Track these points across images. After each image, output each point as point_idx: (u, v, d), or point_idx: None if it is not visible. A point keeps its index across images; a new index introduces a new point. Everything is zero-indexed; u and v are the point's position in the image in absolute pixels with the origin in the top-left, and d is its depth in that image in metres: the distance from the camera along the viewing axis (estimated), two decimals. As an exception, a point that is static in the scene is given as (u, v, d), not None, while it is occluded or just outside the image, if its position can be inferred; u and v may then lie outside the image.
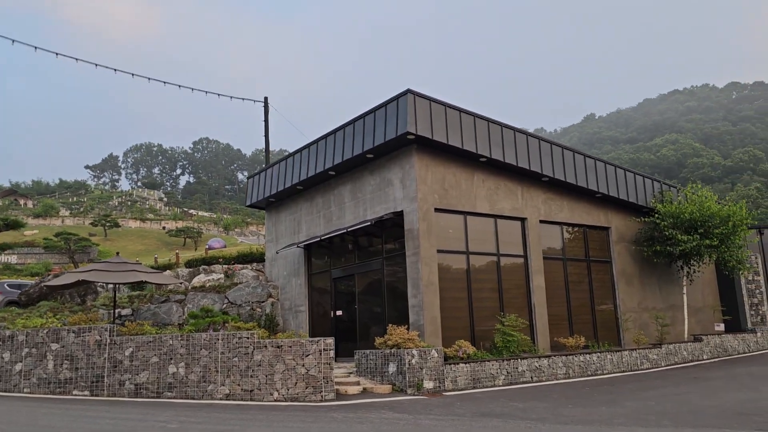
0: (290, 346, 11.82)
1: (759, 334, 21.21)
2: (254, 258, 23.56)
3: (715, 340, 19.50)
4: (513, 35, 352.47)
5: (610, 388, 13.09)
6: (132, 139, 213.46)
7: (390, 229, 15.65)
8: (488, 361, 13.65)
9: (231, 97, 29.75)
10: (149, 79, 26.22)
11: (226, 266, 23.05)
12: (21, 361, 13.17)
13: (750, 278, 22.31)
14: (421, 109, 14.23)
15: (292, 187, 18.78)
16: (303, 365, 11.67)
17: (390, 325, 13.56)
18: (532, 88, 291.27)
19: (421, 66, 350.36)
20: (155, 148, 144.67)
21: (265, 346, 11.90)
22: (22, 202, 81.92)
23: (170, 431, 8.42)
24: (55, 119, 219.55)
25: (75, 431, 8.70)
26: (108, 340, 12.77)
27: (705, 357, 18.79)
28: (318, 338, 11.96)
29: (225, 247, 40.88)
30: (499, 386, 13.38)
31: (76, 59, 24.60)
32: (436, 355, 12.74)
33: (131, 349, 12.61)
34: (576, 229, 18.31)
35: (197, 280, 22.09)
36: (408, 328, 13.44)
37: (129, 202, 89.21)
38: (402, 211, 14.80)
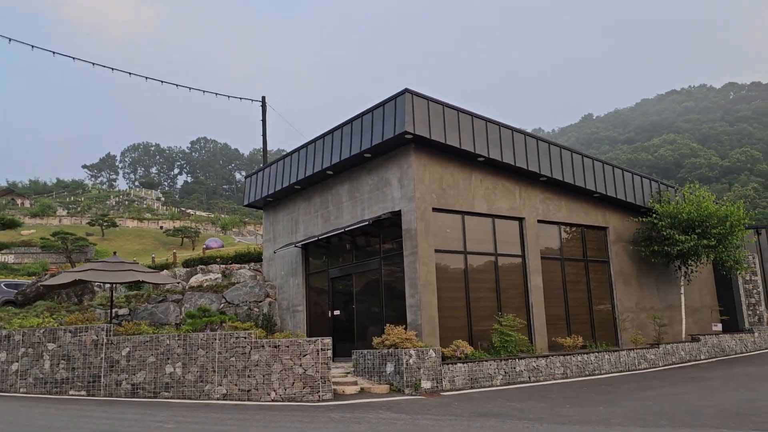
0: (288, 346, 11.79)
1: (756, 334, 21.23)
2: (252, 258, 23.53)
3: (713, 340, 19.52)
4: (512, 35, 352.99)
5: (608, 388, 13.08)
6: (130, 139, 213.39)
7: (388, 228, 15.63)
8: (486, 361, 13.64)
9: (229, 97, 29.68)
10: (146, 78, 26.17)
11: (224, 266, 23.02)
12: (17, 361, 13.13)
13: (747, 278, 22.34)
14: (419, 108, 14.22)
15: (290, 187, 18.75)
16: (300, 365, 11.64)
17: (388, 325, 13.54)
18: (531, 88, 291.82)
19: (421, 66, 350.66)
20: (153, 148, 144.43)
21: (263, 346, 11.87)
22: (19, 201, 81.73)
23: (167, 431, 8.39)
24: (53, 119, 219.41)
25: (71, 431, 8.66)
26: (105, 340, 12.74)
27: (702, 357, 18.80)
28: (315, 338, 11.94)
29: (222, 246, 40.86)
30: (497, 386, 13.38)
31: (74, 58, 24.53)
32: (433, 355, 12.72)
33: (128, 349, 12.58)
34: (574, 229, 18.31)
35: (194, 280, 22.05)
36: (406, 328, 13.42)
37: (126, 202, 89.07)
38: (400, 211, 14.78)
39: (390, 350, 12.68)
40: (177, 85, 27.55)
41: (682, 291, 19.92)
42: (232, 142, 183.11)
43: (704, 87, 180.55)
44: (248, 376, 11.78)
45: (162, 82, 26.57)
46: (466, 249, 15.39)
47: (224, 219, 74.53)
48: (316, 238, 17.40)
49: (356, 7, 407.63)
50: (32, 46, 22.70)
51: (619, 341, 18.09)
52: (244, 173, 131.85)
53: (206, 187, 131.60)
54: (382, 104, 14.76)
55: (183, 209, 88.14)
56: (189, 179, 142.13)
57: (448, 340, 13.91)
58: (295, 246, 18.65)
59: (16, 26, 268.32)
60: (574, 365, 15.23)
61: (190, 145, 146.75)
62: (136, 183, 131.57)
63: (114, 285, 18.87)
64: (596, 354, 15.89)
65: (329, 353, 11.83)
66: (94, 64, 24.82)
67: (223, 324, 13.87)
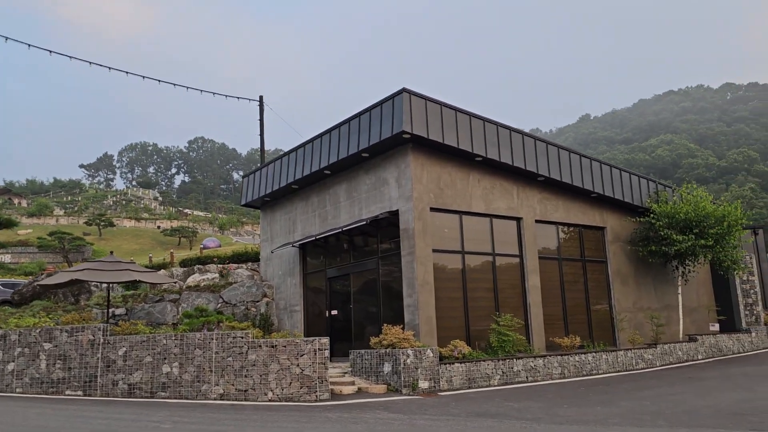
0: (285, 346, 11.76)
1: (753, 334, 21.26)
2: (249, 257, 23.48)
3: (710, 340, 19.53)
4: (511, 35, 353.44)
5: (606, 387, 13.08)
6: (127, 139, 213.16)
7: (385, 228, 15.61)
8: (483, 360, 13.63)
9: (226, 96, 29.64)
10: (143, 77, 26.11)
11: (221, 266, 22.97)
12: (13, 361, 13.07)
13: (745, 278, 22.36)
14: (417, 108, 14.20)
15: (288, 187, 18.72)
16: (298, 365, 11.62)
17: (385, 324, 13.53)
18: (530, 88, 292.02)
19: (420, 65, 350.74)
20: (150, 148, 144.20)
21: (260, 346, 11.84)
22: (16, 201, 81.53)
23: (164, 431, 8.35)
24: (50, 118, 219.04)
25: (68, 431, 8.63)
26: (101, 340, 12.70)
27: (700, 357, 18.81)
28: (313, 338, 11.91)
29: (220, 246, 40.80)
30: (495, 386, 13.37)
31: (70, 57, 24.46)
32: (431, 354, 12.71)
33: (125, 349, 12.54)
34: (571, 228, 18.31)
35: (192, 280, 22.01)
36: (403, 328, 13.40)
37: (124, 202, 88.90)
38: (397, 211, 14.77)
39: (387, 350, 12.66)
40: (174, 84, 27.49)
41: (680, 291, 19.94)
42: (230, 142, 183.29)
43: (701, 87, 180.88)
44: (245, 376, 11.75)
45: (159, 81, 26.52)
46: (464, 249, 15.38)
47: (222, 219, 74.44)
48: (314, 238, 17.37)
49: (356, 7, 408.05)
50: (29, 45, 22.65)
51: (617, 341, 18.09)
52: (241, 173, 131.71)
53: (204, 187, 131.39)
54: (380, 104, 14.74)
55: (180, 209, 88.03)
56: (186, 179, 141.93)
57: (446, 340, 13.89)
58: (293, 246, 18.62)
59: (16, 26, 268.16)
60: (571, 365, 15.22)
61: (187, 145, 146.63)
62: (134, 183, 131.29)
63: (111, 285, 18.79)
64: (594, 354, 15.89)
65: (326, 353, 11.81)
66: (90, 63, 24.78)
67: (220, 324, 13.84)
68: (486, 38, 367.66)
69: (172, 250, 36.45)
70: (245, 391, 11.69)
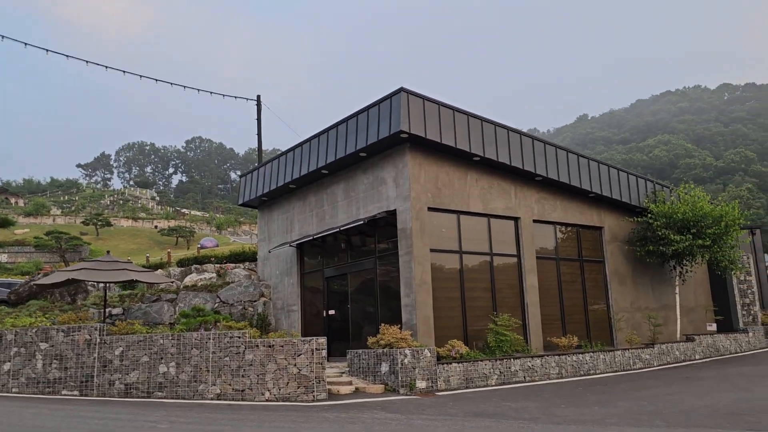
0: (282, 346, 11.74)
1: (751, 334, 21.28)
2: (246, 257, 23.44)
3: (707, 340, 19.55)
4: (510, 35, 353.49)
5: (603, 387, 13.08)
6: (124, 138, 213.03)
7: (383, 228, 15.59)
8: (481, 360, 13.61)
9: (223, 95, 29.60)
10: (141, 76, 26.04)
11: (218, 265, 22.93)
12: (9, 361, 13.03)
13: (742, 278, 22.38)
14: (415, 107, 14.18)
15: (285, 186, 18.69)
16: (295, 365, 11.59)
17: (383, 324, 13.51)
18: (527, 88, 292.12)
19: (418, 65, 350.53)
20: (148, 147, 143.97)
21: (257, 346, 11.82)
22: (12, 200, 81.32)
23: (160, 431, 8.33)
24: (48, 118, 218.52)
25: (64, 431, 8.59)
26: (98, 340, 12.66)
27: (697, 357, 18.83)
28: (310, 338, 11.89)
29: (217, 246, 40.73)
30: (492, 386, 13.36)
31: (67, 56, 24.40)
32: (428, 354, 12.69)
33: (121, 349, 12.50)
34: (569, 228, 18.31)
35: (189, 279, 21.97)
36: (401, 328, 13.38)
37: (121, 201, 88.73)
38: (395, 210, 14.75)
39: (385, 350, 12.64)
40: (171, 84, 27.45)
41: (677, 291, 19.95)
42: (228, 142, 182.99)
43: (699, 88, 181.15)
44: (242, 376, 11.73)
45: (156, 80, 26.45)
46: (462, 248, 15.37)
47: (219, 218, 74.31)
48: (311, 238, 17.34)
49: (355, 6, 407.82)
50: (25, 44, 22.58)
51: (614, 341, 18.10)
52: (239, 173, 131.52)
53: (201, 187, 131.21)
54: (378, 103, 14.72)
55: (178, 209, 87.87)
56: (184, 179, 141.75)
57: (444, 340, 13.88)
58: (290, 245, 18.59)
59: (16, 26, 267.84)
60: (569, 365, 15.22)
61: (185, 145, 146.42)
62: (131, 182, 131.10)
63: (107, 284, 18.77)
64: (591, 354, 15.89)
65: (324, 353, 11.79)
66: (88, 62, 24.70)
67: (218, 323, 13.82)
68: (484, 38, 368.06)
69: (169, 250, 36.36)
70: (242, 391, 11.67)
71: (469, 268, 15.45)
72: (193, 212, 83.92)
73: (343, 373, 13.71)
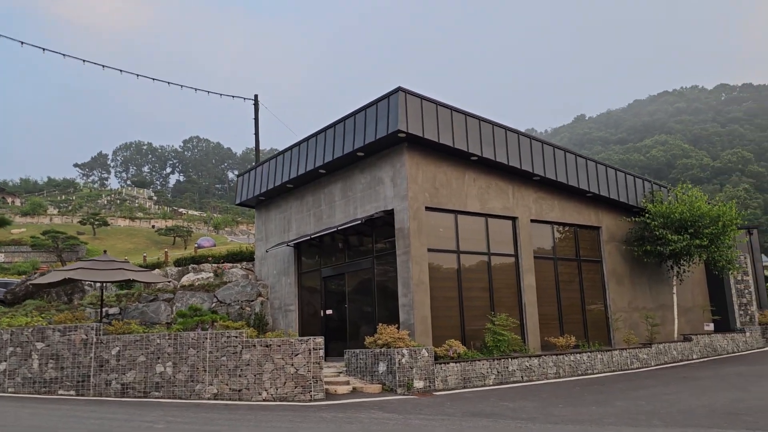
0: (279, 346, 11.71)
1: (748, 334, 21.31)
2: (244, 257, 23.41)
3: (705, 340, 19.57)
4: (509, 35, 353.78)
5: (601, 387, 13.08)
6: (122, 138, 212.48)
7: (380, 227, 15.57)
8: (479, 360, 13.60)
9: (221, 95, 29.60)
10: (137, 75, 26.00)
11: (216, 265, 22.88)
12: (5, 361, 12.98)
13: (739, 278, 22.42)
14: (412, 107, 14.16)
15: (282, 186, 18.65)
16: (292, 365, 11.56)
17: (380, 324, 13.48)
18: (525, 88, 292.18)
19: (418, 65, 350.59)
20: (145, 147, 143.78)
21: (254, 345, 11.79)
22: (9, 200, 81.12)
23: (157, 431, 8.29)
24: (45, 117, 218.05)
25: (60, 431, 8.56)
26: (94, 339, 12.62)
27: (695, 356, 18.85)
28: (307, 337, 11.86)
29: (215, 245, 40.70)
30: (490, 386, 13.34)
31: (64, 55, 24.35)
32: (426, 354, 12.67)
33: (118, 348, 12.46)
34: (567, 228, 18.31)
35: (186, 279, 21.93)
36: (398, 328, 13.37)
37: (118, 201, 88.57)
38: (393, 210, 14.73)
39: (382, 350, 12.63)
40: (168, 83, 27.36)
41: (675, 291, 19.97)
42: (225, 142, 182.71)
43: (696, 88, 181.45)
44: (239, 376, 11.70)
45: (153, 79, 26.42)
46: (459, 248, 15.35)
47: (216, 218, 74.24)
48: (309, 237, 17.32)
49: (354, 7, 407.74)
50: (22, 43, 22.51)
51: (612, 341, 18.10)
52: (236, 172, 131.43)
53: (199, 187, 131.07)
54: (375, 103, 14.70)
55: (175, 208, 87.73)
56: (181, 178, 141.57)
57: (441, 340, 13.86)
58: (288, 245, 18.56)
59: (16, 25, 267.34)
60: (566, 365, 15.22)
61: (182, 144, 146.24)
62: (128, 182, 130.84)
63: (104, 284, 18.72)
64: (589, 353, 15.88)
65: (321, 353, 11.76)
66: (84, 61, 24.64)
67: (215, 323, 13.78)
68: (484, 37, 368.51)
69: (166, 250, 36.34)
70: (239, 390, 11.64)
71: (466, 267, 15.44)
72: (190, 212, 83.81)
73: (340, 372, 13.69)
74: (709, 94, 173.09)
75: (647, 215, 18.96)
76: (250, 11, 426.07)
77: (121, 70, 25.13)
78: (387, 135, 14.14)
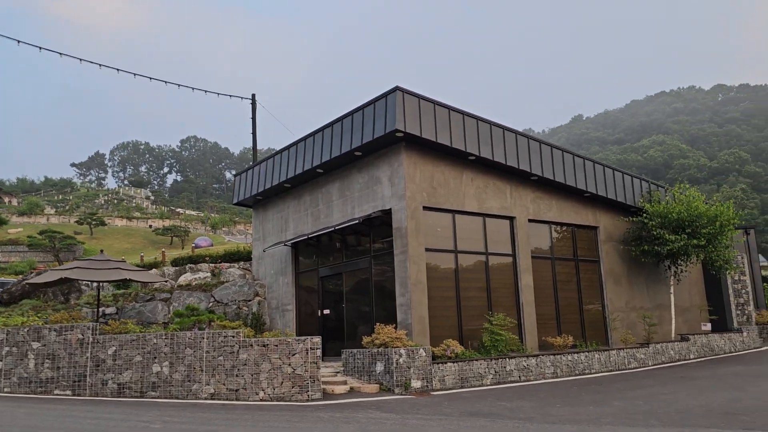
0: (276, 345, 11.68)
1: (745, 334, 21.33)
2: (241, 257, 23.36)
3: (702, 340, 19.58)
4: (506, 36, 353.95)
5: (598, 387, 13.07)
6: (119, 138, 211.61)
7: (378, 227, 15.55)
8: (476, 360, 13.59)
9: (218, 94, 29.50)
10: (134, 74, 25.93)
11: (213, 265, 22.83)
12: (1, 360, 12.93)
13: (736, 278, 22.44)
14: (410, 106, 14.14)
15: (280, 185, 18.62)
16: (289, 364, 11.53)
17: (378, 324, 13.46)
18: (525, 88, 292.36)
19: (416, 64, 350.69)
20: (142, 146, 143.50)
21: (251, 345, 11.76)
22: (6, 199, 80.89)
23: (154, 431, 8.26)
24: (42, 117, 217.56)
25: (56, 431, 8.53)
26: (90, 339, 12.57)
27: (692, 356, 18.85)
28: (305, 337, 11.83)
29: (212, 245, 40.61)
30: (487, 385, 13.33)
31: (60, 54, 24.26)
32: (423, 354, 12.65)
33: (114, 348, 12.42)
34: (564, 228, 18.31)
35: (183, 279, 21.88)
36: (396, 327, 13.34)
37: (115, 201, 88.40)
38: (390, 210, 14.70)
39: (380, 349, 12.60)
40: (166, 82, 27.30)
41: (672, 291, 19.98)
42: (223, 141, 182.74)
43: (693, 88, 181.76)
44: (236, 376, 11.66)
45: (150, 78, 26.36)
46: (457, 248, 15.34)
47: (214, 218, 74.11)
48: (306, 237, 17.29)
49: (354, 7, 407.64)
50: (18, 41, 22.43)
51: (609, 341, 18.11)
52: (234, 172, 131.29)
53: (196, 186, 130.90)
54: (373, 102, 14.67)
55: (172, 208, 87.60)
56: (179, 178, 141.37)
57: (439, 340, 13.84)
58: (285, 245, 18.53)
59: (15, 24, 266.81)
60: (564, 365, 15.21)
61: (180, 144, 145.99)
62: (126, 182, 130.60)
63: (101, 283, 18.66)
64: (586, 353, 15.88)
65: (319, 352, 11.74)
66: (81, 60, 24.58)
67: (212, 323, 13.74)
68: (482, 37, 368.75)
69: (163, 249, 36.24)
70: (236, 390, 11.60)
71: (464, 267, 15.42)
72: (187, 212, 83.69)
73: (338, 372, 13.66)
74: (706, 95, 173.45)
75: (645, 215, 18.97)
76: (250, 11, 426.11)
77: (118, 69, 25.08)
78: (385, 134, 14.11)
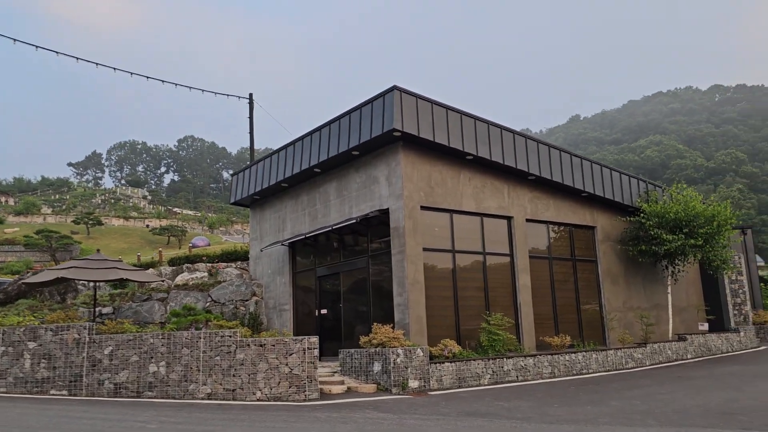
0: (274, 345, 11.65)
1: (742, 334, 21.35)
2: (238, 256, 23.32)
3: (699, 340, 19.59)
4: (503, 36, 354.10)
5: (596, 387, 13.07)
6: (116, 137, 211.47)
7: (376, 227, 15.52)
8: (474, 360, 13.57)
9: (215, 93, 29.53)
10: (131, 73, 25.85)
11: (210, 264, 22.79)
12: (-3, 360, 12.86)
13: (733, 278, 22.46)
14: (408, 106, 14.12)
15: (277, 185, 18.58)
16: (286, 364, 11.50)
17: (375, 324, 13.44)
18: (521, 88, 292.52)
19: (416, 64, 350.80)
20: (139, 146, 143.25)
21: (248, 345, 11.72)
22: (3, 199, 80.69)
23: (150, 431, 8.23)
24: (40, 116, 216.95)
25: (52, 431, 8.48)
26: (87, 339, 12.52)
27: (689, 356, 18.87)
28: (302, 337, 11.80)
29: (209, 245, 40.53)
30: (485, 385, 13.31)
31: (57, 53, 24.18)
32: (421, 354, 12.63)
33: (111, 348, 12.37)
34: (562, 228, 18.30)
35: (180, 279, 21.83)
36: (393, 327, 13.32)
37: (112, 200, 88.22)
38: (388, 209, 14.68)
39: (377, 349, 12.58)
40: (163, 81, 27.21)
41: (669, 290, 19.99)
42: (220, 141, 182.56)
43: (690, 89, 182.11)
44: (233, 376, 11.63)
45: (147, 77, 26.27)
46: (455, 248, 15.32)
47: (211, 218, 74.05)
48: (304, 237, 17.25)
49: (354, 7, 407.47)
50: (14, 40, 22.34)
51: (607, 340, 18.11)
52: (231, 172, 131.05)
53: (193, 186, 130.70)
54: (371, 101, 14.64)
55: (170, 208, 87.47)
56: (176, 178, 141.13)
57: (436, 339, 13.82)
58: (282, 244, 18.49)
59: (16, 24, 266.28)
60: (561, 364, 15.20)
61: (177, 144, 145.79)
62: (123, 181, 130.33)
63: (97, 283, 18.61)
64: (584, 353, 15.87)
65: (316, 352, 11.71)
66: (78, 59, 24.47)
67: (209, 323, 13.71)
68: (481, 37, 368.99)
69: (160, 249, 36.14)
70: (233, 390, 11.57)
71: (461, 267, 15.40)
72: (185, 211, 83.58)
73: (335, 372, 13.63)
74: (703, 95, 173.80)
75: (642, 215, 18.97)
76: (250, 11, 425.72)
77: (114, 68, 25.01)
78: (382, 134, 14.09)
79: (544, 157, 16.98)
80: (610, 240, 19.25)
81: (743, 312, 22.55)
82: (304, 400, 11.19)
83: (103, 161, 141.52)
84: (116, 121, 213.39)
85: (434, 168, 15.10)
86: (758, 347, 21.70)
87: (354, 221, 15.24)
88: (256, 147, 28.45)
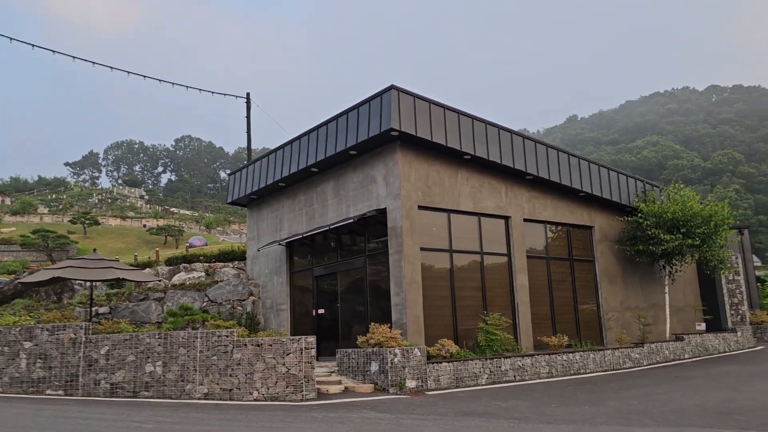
0: (271, 345, 11.61)
1: (739, 334, 21.38)
2: (236, 256, 23.27)
3: (696, 340, 19.61)
4: (505, 35, 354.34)
5: (593, 387, 13.06)
6: (113, 137, 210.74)
7: (373, 226, 15.49)
8: (471, 360, 13.55)
9: (212, 93, 29.42)
10: (128, 72, 25.81)
11: (207, 264, 22.74)
12: (-7, 360, 12.80)
13: (731, 278, 22.49)
14: (405, 105, 14.09)
15: (274, 184, 18.54)
16: (284, 364, 11.47)
17: (372, 323, 13.41)
18: (520, 88, 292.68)
19: (416, 64, 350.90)
20: (136, 146, 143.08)
21: (245, 345, 11.68)
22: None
23: (146, 431, 8.19)
24: (38, 116, 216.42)
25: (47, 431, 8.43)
26: (83, 339, 12.47)
27: (686, 356, 18.88)
28: (299, 337, 11.76)
29: (206, 245, 40.50)
30: (482, 385, 13.29)
31: (53, 51, 24.13)
32: (418, 353, 12.61)
33: (107, 348, 12.32)
34: (559, 227, 18.29)
35: (177, 278, 21.77)
36: (391, 327, 13.29)
37: (109, 200, 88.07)
38: (385, 209, 14.65)
39: (375, 349, 12.55)
40: (160, 80, 27.14)
41: (667, 290, 20.00)
42: (217, 141, 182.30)
43: (687, 89, 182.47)
44: (230, 376, 11.59)
45: (144, 77, 26.22)
46: (452, 247, 15.30)
47: (208, 217, 73.98)
48: (301, 236, 17.22)
49: (351, 7, 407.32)
50: (11, 39, 22.27)
51: (604, 340, 18.11)
52: (228, 171, 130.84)
53: (190, 186, 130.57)
54: (368, 100, 14.61)
55: (167, 207, 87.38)
56: (173, 177, 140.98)
57: (434, 339, 13.81)
58: (279, 244, 18.45)
59: (16, 24, 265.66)
60: (559, 364, 15.19)
61: (174, 143, 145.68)
62: (120, 181, 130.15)
63: (94, 283, 18.54)
64: (581, 353, 15.87)
65: (313, 352, 11.67)
66: (74, 57, 24.42)
67: (206, 322, 13.67)
68: (479, 37, 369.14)
69: (157, 249, 36.07)
70: (230, 390, 11.53)
71: (459, 267, 15.39)
72: (182, 211, 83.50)
73: (332, 372, 13.61)
74: (700, 96, 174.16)
75: (640, 215, 18.98)
76: (250, 11, 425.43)
77: (111, 68, 24.94)
78: (380, 133, 14.06)
79: (542, 157, 16.97)
80: (607, 240, 19.25)
81: (740, 312, 22.58)
82: (302, 400, 11.16)
83: (100, 161, 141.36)
84: (113, 120, 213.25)
85: (432, 167, 15.08)
86: (755, 347, 21.73)
87: (351, 221, 15.21)
88: (253, 147, 28.40)
